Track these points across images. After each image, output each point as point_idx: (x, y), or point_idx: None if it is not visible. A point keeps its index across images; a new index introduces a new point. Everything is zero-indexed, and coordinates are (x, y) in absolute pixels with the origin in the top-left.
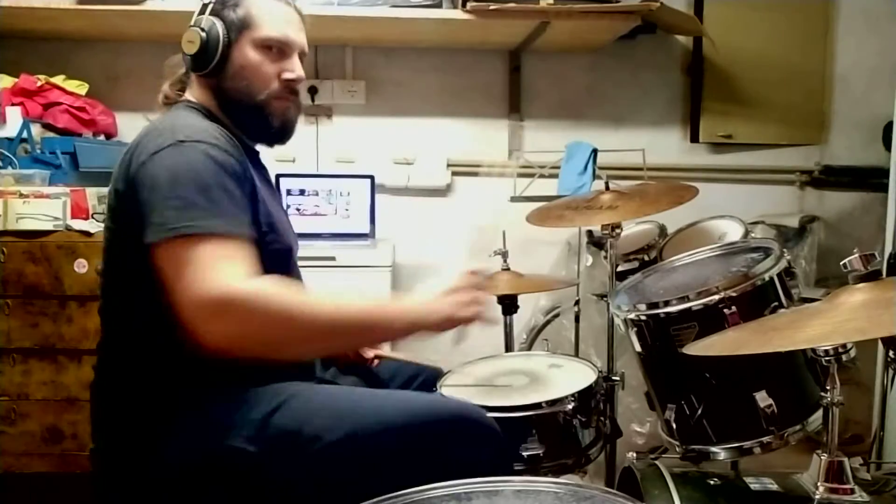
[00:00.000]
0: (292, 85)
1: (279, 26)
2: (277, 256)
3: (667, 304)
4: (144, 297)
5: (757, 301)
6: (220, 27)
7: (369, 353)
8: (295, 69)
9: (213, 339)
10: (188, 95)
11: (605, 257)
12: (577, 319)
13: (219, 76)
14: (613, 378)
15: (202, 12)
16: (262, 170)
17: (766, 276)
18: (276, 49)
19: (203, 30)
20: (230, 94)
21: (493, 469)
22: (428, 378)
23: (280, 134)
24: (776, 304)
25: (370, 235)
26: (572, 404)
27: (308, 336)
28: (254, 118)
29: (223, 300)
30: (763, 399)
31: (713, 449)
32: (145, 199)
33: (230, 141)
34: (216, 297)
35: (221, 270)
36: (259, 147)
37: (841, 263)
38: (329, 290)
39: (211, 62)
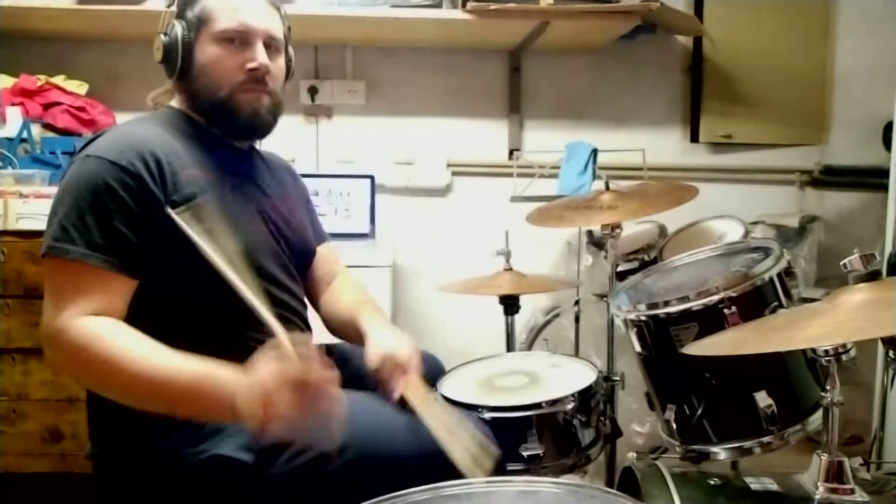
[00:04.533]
0: (256, 74)
1: (234, 15)
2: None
3: (667, 304)
4: (133, 302)
5: (757, 301)
6: (179, 29)
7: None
8: (257, 57)
9: (51, 367)
10: (172, 101)
11: (605, 257)
12: (577, 319)
13: (187, 78)
14: (613, 378)
15: (168, 16)
16: (246, 169)
17: (766, 276)
18: (238, 40)
19: (166, 34)
20: (198, 94)
21: None
22: (427, 377)
23: (251, 127)
24: (776, 304)
25: (370, 235)
26: (572, 404)
27: (127, 388)
28: (222, 115)
29: (53, 336)
30: (763, 399)
31: (713, 449)
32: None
33: (148, 151)
34: (50, 331)
35: (63, 303)
36: (243, 143)
37: (841, 263)
38: (168, 350)
39: (176, 67)
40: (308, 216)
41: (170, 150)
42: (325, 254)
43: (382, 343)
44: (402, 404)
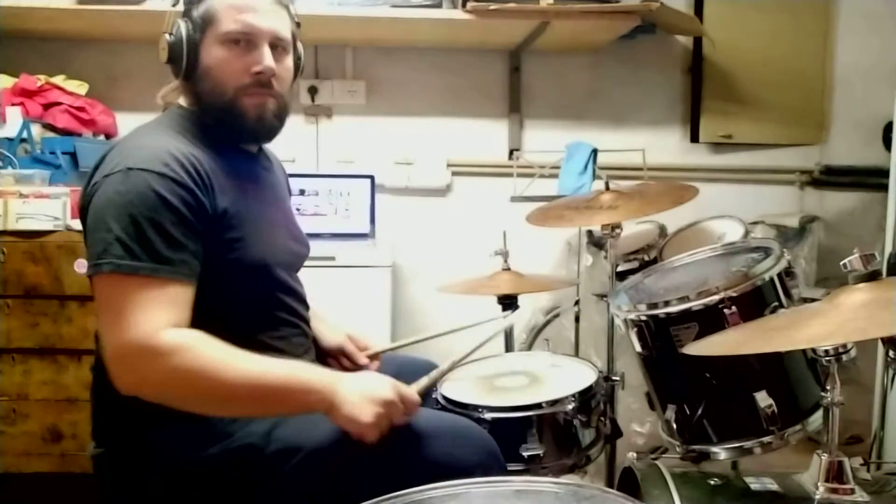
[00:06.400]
0: (262, 78)
1: (239, 16)
2: (245, 270)
3: (667, 304)
4: None
5: (757, 301)
6: (184, 30)
7: (362, 360)
8: (263, 60)
9: (128, 387)
10: (180, 100)
11: (605, 257)
12: (577, 319)
13: (193, 79)
14: (613, 378)
15: (173, 15)
16: (258, 172)
17: (766, 276)
18: (244, 42)
19: (171, 34)
20: (203, 96)
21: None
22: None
23: (258, 131)
24: (776, 304)
25: (370, 235)
26: (572, 404)
27: (223, 397)
28: (227, 118)
29: (141, 351)
30: (763, 399)
31: (713, 449)
32: (89, 225)
33: (188, 161)
34: (135, 347)
35: (143, 317)
36: (252, 146)
37: (841, 263)
38: (256, 354)
39: (181, 67)
40: None
41: (203, 159)
42: None
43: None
44: None
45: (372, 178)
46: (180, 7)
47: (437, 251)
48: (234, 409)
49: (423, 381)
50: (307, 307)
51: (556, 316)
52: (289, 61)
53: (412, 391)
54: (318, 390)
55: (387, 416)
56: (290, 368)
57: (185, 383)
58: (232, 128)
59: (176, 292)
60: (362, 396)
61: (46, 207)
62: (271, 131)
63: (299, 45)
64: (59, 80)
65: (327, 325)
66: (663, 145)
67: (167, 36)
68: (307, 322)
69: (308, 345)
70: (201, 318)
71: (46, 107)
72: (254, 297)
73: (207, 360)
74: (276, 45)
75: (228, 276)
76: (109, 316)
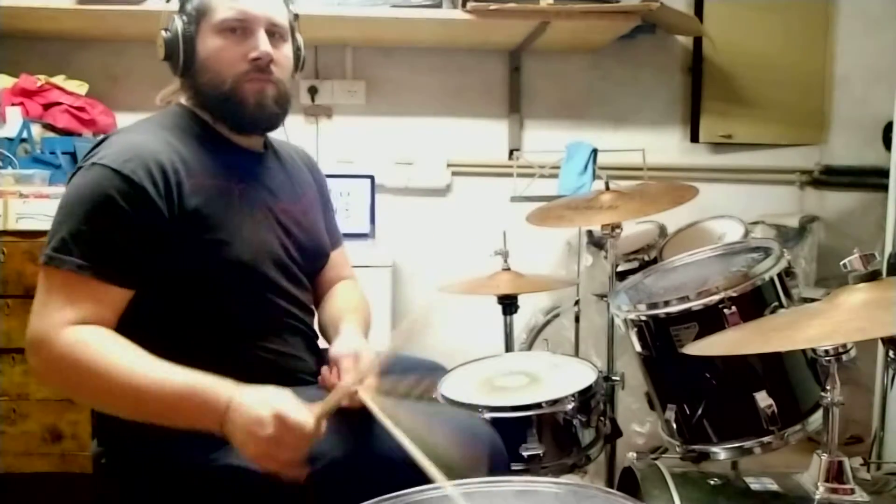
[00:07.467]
0: (259, 63)
1: (233, 4)
2: (229, 271)
3: (667, 304)
4: (137, 303)
5: (757, 301)
6: (180, 24)
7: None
8: (259, 45)
9: (34, 374)
10: (182, 99)
11: (605, 257)
12: (577, 319)
13: (191, 74)
14: (613, 378)
15: (169, 13)
16: (255, 171)
17: (766, 276)
18: (239, 30)
19: (167, 31)
20: (203, 88)
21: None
22: (427, 378)
23: (258, 118)
24: (776, 304)
25: (370, 235)
26: (572, 404)
27: (111, 397)
28: (228, 107)
29: (38, 343)
30: (763, 399)
31: (713, 449)
32: None
33: (155, 161)
34: (35, 338)
35: (50, 312)
36: (256, 143)
37: (841, 263)
38: (155, 359)
39: (179, 62)
40: (324, 215)
41: (176, 159)
42: (336, 258)
43: (348, 342)
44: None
45: (372, 178)
46: (175, 4)
47: (437, 251)
48: (121, 411)
49: (325, 404)
50: (311, 313)
51: (556, 316)
52: (287, 49)
53: (304, 420)
54: (210, 413)
55: (270, 457)
56: (189, 382)
57: (74, 380)
58: (232, 117)
59: (98, 291)
60: (245, 431)
61: (46, 207)
62: (272, 119)
63: (298, 37)
64: (59, 80)
65: (340, 336)
66: (663, 145)
67: (163, 32)
68: (308, 325)
69: (310, 346)
70: (191, 320)
71: (46, 107)
72: (239, 296)
73: (98, 358)
74: (274, 32)
75: (214, 277)
76: (34, 304)
